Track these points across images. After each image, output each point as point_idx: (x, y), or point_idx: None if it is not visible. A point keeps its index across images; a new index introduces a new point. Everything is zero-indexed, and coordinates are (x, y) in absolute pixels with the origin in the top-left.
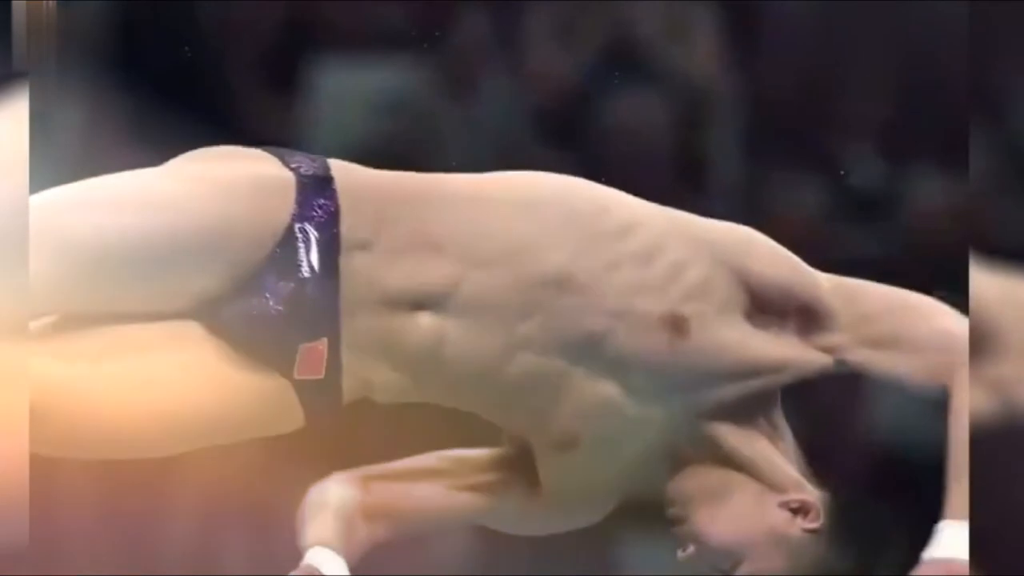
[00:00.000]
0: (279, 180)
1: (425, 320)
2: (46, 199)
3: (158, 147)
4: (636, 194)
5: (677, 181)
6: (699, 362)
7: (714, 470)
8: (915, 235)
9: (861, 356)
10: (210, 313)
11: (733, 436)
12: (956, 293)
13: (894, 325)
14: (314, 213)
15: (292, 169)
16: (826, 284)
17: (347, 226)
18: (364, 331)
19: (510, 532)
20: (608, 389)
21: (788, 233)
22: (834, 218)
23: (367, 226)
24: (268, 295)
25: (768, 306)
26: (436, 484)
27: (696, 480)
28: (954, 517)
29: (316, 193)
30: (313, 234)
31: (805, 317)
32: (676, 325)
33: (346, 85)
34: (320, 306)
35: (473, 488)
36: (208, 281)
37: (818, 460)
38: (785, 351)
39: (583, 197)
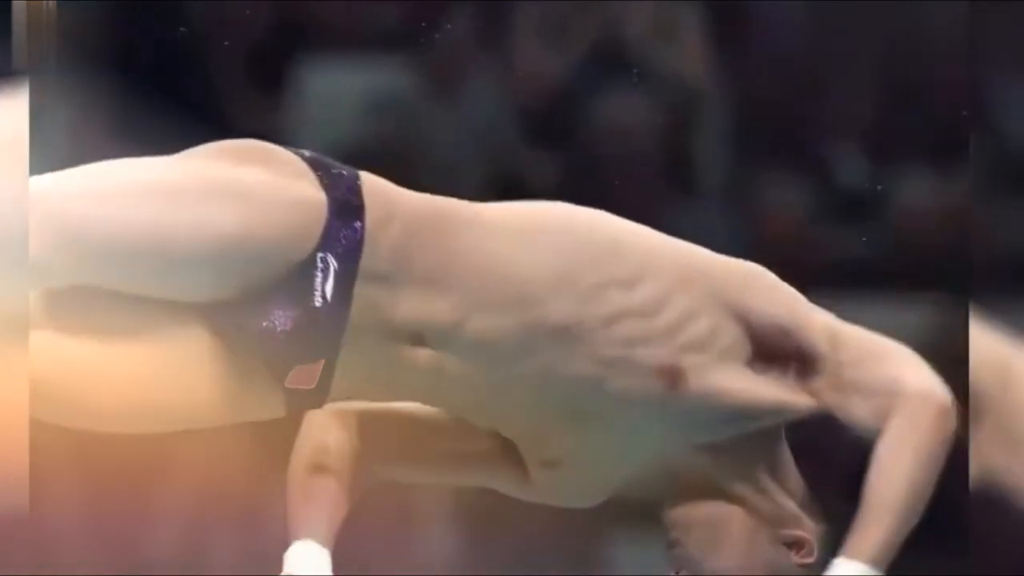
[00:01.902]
0: (312, 205)
1: (423, 353)
2: (65, 182)
3: (156, 147)
4: (624, 194)
5: (666, 181)
6: (695, 407)
7: (712, 500)
8: (904, 235)
9: (831, 400)
10: (213, 312)
11: (731, 470)
12: (954, 294)
13: (858, 371)
14: (339, 243)
15: (325, 187)
16: (819, 325)
17: (368, 258)
18: (361, 356)
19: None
20: (600, 426)
21: (777, 233)
22: (823, 218)
23: (387, 259)
24: (275, 320)
25: (768, 349)
26: (434, 441)
27: (693, 509)
28: (850, 555)
29: (345, 221)
30: (333, 264)
31: (800, 360)
32: (673, 376)
33: (336, 84)
34: (324, 333)
35: (469, 454)
36: (216, 287)
37: (813, 484)
38: (781, 395)
39: (602, 235)
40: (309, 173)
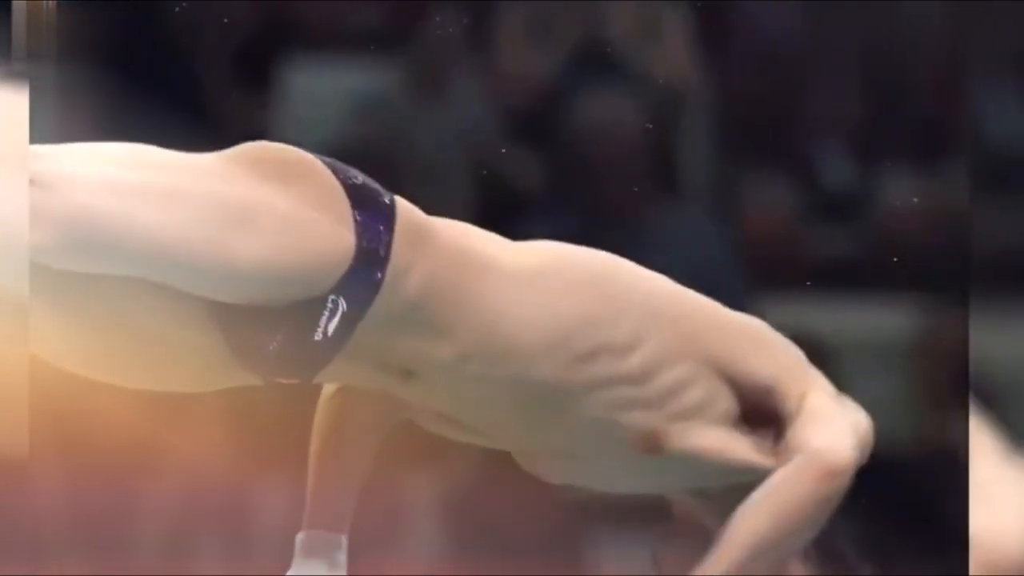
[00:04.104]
0: (339, 250)
1: (412, 386)
2: (78, 165)
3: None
4: (609, 194)
5: (651, 181)
6: (675, 464)
7: (702, 544)
8: (889, 235)
9: (781, 463)
10: (212, 304)
11: (722, 515)
12: (938, 293)
13: (795, 435)
14: (355, 289)
15: (357, 231)
16: (798, 389)
17: (380, 304)
18: (346, 377)
19: None
20: (582, 464)
21: (762, 233)
22: (807, 218)
23: (399, 307)
24: (268, 341)
25: (755, 409)
26: None
27: (679, 548)
28: (704, 570)
29: (367, 271)
30: (343, 307)
31: (779, 423)
32: (652, 441)
33: (323, 84)
34: (314, 360)
35: None
36: (219, 296)
37: None
38: (754, 459)
39: (612, 293)
40: (347, 209)
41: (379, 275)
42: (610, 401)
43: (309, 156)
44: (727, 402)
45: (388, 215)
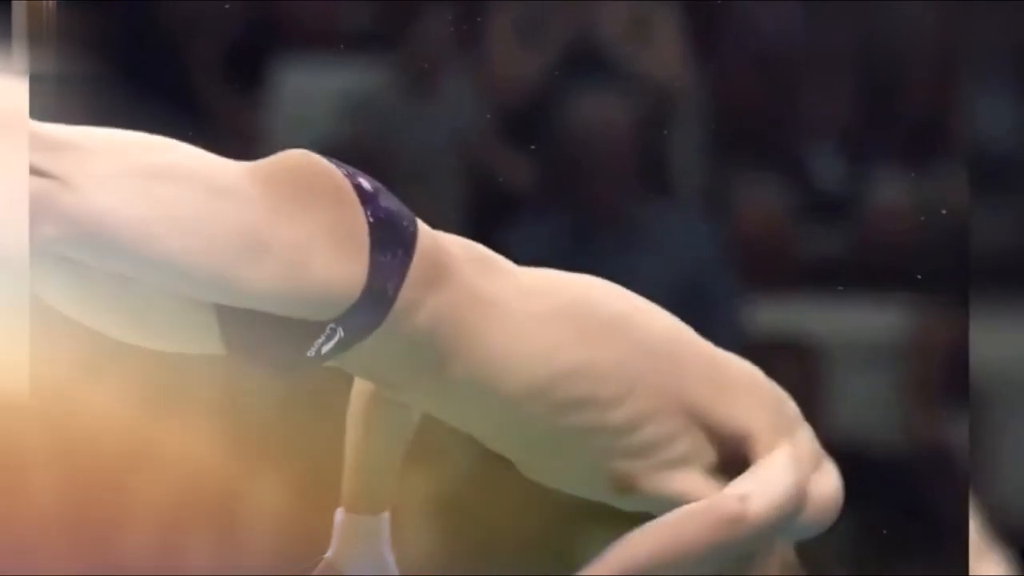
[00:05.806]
0: (349, 288)
1: (403, 395)
2: (101, 172)
3: None
4: (600, 195)
5: (643, 181)
6: (653, 503)
7: None
8: (883, 236)
9: None
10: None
11: None
12: (929, 293)
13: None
14: (356, 321)
15: (371, 270)
16: (771, 441)
17: (380, 335)
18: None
19: None
20: (570, 481)
21: (755, 234)
22: (804, 219)
23: (398, 339)
24: (263, 348)
25: (733, 456)
26: None
27: None
28: (587, 568)
29: (372, 308)
30: (340, 334)
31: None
32: (628, 484)
33: (314, 83)
34: (304, 368)
35: None
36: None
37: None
38: None
39: (610, 343)
40: (365, 243)
41: (383, 312)
42: (592, 447)
43: (344, 183)
44: (708, 454)
45: (408, 248)
